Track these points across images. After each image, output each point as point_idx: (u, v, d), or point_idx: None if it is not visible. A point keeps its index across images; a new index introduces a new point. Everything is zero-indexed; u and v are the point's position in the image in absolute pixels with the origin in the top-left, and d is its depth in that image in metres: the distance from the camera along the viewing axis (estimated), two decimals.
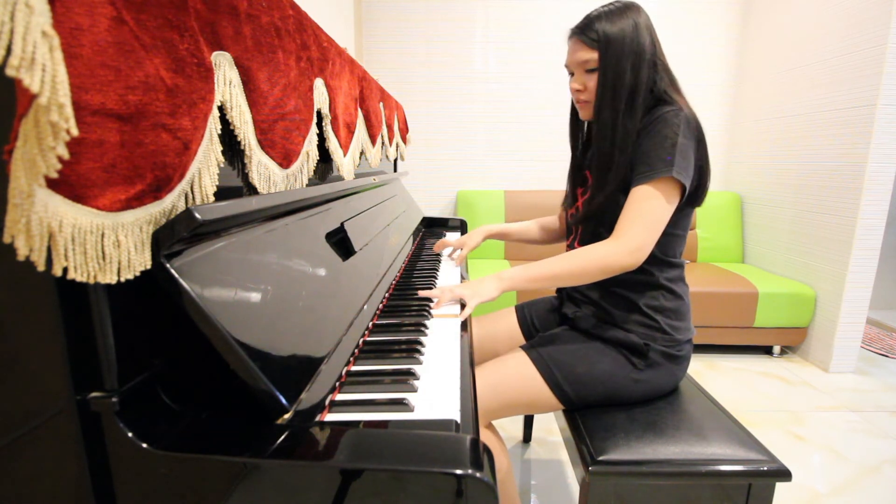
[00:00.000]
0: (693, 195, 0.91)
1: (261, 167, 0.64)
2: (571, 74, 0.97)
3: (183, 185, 0.49)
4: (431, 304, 0.94)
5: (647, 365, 0.92)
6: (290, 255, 0.68)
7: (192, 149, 0.49)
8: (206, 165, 0.52)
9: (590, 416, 0.91)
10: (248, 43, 0.59)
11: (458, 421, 0.56)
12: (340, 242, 0.91)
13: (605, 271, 0.88)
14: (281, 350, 0.54)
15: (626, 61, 0.88)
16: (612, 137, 0.91)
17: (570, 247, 1.06)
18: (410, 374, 0.65)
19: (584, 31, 0.91)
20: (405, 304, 0.95)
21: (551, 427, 1.73)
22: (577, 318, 1.03)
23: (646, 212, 0.85)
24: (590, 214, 0.97)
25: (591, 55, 0.90)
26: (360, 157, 1.14)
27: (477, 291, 0.92)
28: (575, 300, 1.07)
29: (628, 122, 0.90)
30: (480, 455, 0.45)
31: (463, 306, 0.93)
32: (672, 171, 0.83)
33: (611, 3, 0.92)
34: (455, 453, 0.45)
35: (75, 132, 0.35)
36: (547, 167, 2.97)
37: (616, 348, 0.94)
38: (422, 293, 0.97)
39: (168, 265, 0.46)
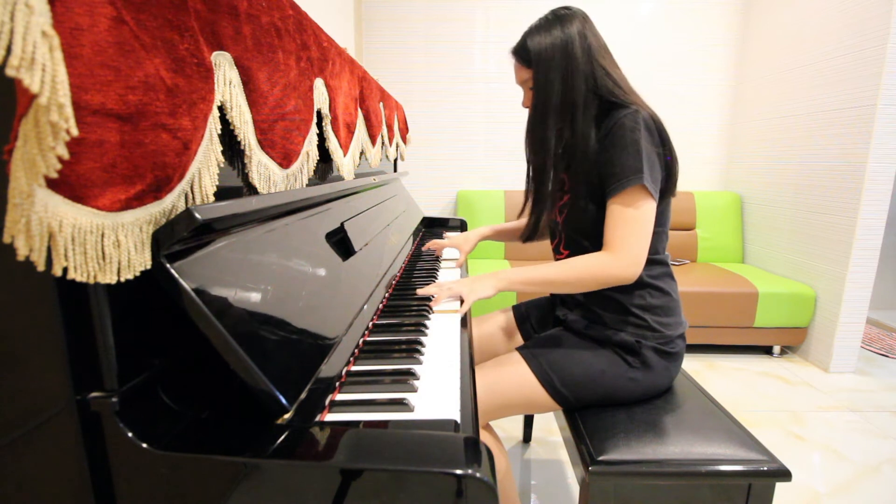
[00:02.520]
0: (664, 190, 0.91)
1: (261, 167, 0.64)
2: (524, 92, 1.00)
3: (183, 185, 0.49)
4: (431, 302, 0.95)
5: (641, 363, 0.93)
6: (290, 255, 0.68)
7: (192, 149, 0.49)
8: (206, 165, 0.52)
9: (589, 416, 0.91)
10: (248, 43, 0.59)
11: (458, 421, 0.56)
12: (340, 242, 0.91)
13: (601, 283, 0.89)
14: (281, 350, 0.54)
15: (555, 76, 0.89)
16: (543, 152, 0.93)
17: (556, 250, 1.07)
18: (410, 374, 0.65)
19: (519, 52, 0.93)
20: (405, 304, 0.95)
21: (551, 427, 1.73)
22: (568, 320, 1.03)
23: (631, 224, 0.86)
24: (559, 221, 1.00)
25: (528, 74, 0.93)
26: (360, 157, 1.14)
27: (474, 288, 0.94)
28: (566, 303, 1.07)
29: (568, 133, 0.91)
30: (480, 455, 0.45)
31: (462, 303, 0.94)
32: (642, 179, 0.83)
33: (544, 16, 0.92)
34: (455, 453, 0.45)
35: (75, 132, 0.35)
36: None
37: (610, 348, 0.95)
38: (420, 292, 0.98)
39: (168, 265, 0.46)
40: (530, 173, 1.02)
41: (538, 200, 1.00)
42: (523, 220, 1.32)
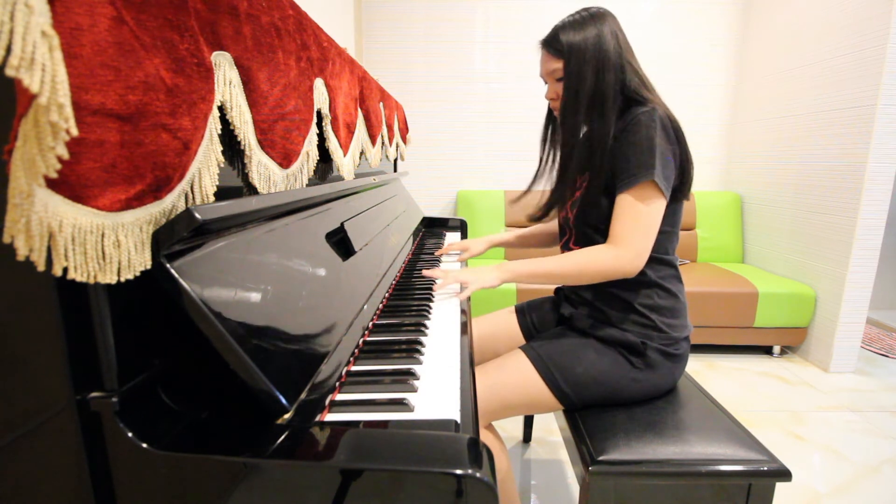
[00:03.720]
0: (677, 190, 0.92)
1: (261, 167, 0.64)
2: (547, 83, 1.00)
3: (183, 185, 0.49)
4: (435, 286, 1.01)
5: (645, 364, 0.93)
6: (290, 255, 0.68)
7: (192, 149, 0.49)
8: (206, 165, 0.52)
9: (590, 416, 0.91)
10: (248, 43, 0.59)
11: (458, 421, 0.56)
12: (340, 242, 0.91)
13: (603, 276, 0.90)
14: (281, 350, 0.54)
15: (587, 68, 0.90)
16: (576, 138, 0.94)
17: (565, 246, 1.07)
18: (410, 374, 0.65)
19: (551, 43, 0.94)
20: (405, 303, 0.95)
21: (551, 427, 1.73)
22: (573, 318, 1.03)
23: (638, 218, 0.87)
24: (570, 217, 1.01)
25: (558, 65, 0.94)
26: (360, 157, 1.14)
27: (478, 277, 0.97)
28: (571, 301, 1.07)
29: (596, 125, 0.92)
30: (480, 455, 0.45)
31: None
32: (654, 175, 0.84)
33: (577, 13, 0.94)
34: (455, 453, 0.45)
35: (75, 132, 0.35)
36: None
37: (614, 348, 0.95)
38: (426, 272, 1.03)
39: (168, 265, 0.46)
40: (555, 158, 1.04)
41: (561, 182, 1.00)
42: (534, 229, 1.33)
